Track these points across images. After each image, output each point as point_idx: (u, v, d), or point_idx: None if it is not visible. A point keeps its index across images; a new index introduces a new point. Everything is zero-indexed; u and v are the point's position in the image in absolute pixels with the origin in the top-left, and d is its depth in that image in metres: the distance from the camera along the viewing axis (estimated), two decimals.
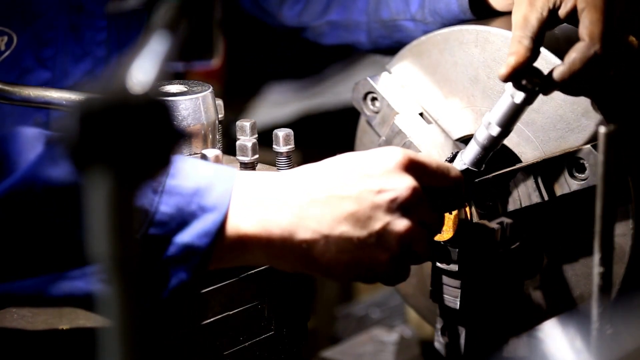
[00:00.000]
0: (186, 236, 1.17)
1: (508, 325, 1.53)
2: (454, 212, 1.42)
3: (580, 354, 1.19)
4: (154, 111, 0.85)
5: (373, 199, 1.24)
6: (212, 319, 1.35)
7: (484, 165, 1.42)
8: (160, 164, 0.86)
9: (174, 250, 1.17)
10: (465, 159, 1.41)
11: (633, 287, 1.45)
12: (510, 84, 1.36)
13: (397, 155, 1.27)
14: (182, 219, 1.17)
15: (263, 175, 1.27)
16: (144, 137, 0.84)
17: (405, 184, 1.25)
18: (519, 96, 1.36)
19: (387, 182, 1.25)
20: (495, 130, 1.38)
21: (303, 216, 1.22)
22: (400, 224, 1.25)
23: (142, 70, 0.88)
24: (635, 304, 1.45)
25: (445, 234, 1.43)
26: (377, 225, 1.24)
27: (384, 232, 1.24)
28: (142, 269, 1.11)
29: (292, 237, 1.22)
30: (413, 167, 1.27)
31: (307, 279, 1.43)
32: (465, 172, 1.40)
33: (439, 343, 1.52)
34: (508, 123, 1.38)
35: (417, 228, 1.27)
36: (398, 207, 1.25)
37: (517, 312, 1.52)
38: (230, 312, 1.37)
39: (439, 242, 1.43)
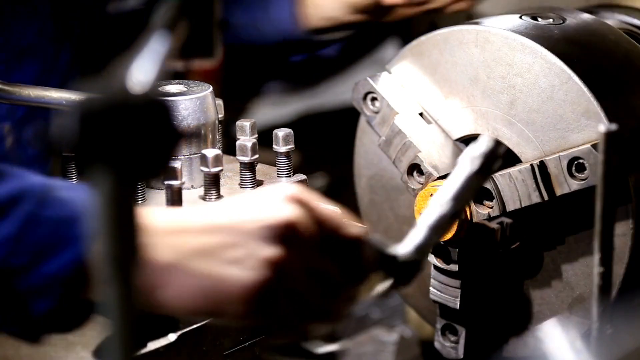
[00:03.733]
0: (50, 266, 1.14)
1: (508, 326, 1.53)
2: None
3: (580, 354, 1.19)
4: (154, 111, 0.85)
5: (245, 226, 1.13)
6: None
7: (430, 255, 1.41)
8: (159, 163, 0.85)
9: (37, 280, 1.14)
10: (408, 246, 1.23)
11: (633, 287, 1.45)
12: (465, 157, 1.31)
13: (287, 189, 1.16)
14: (46, 249, 1.14)
15: None
16: (144, 137, 0.84)
17: (282, 214, 1.13)
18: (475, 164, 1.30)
19: (263, 210, 1.14)
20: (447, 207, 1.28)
21: (160, 243, 1.12)
22: (268, 250, 1.12)
23: (142, 70, 0.88)
24: (635, 304, 1.45)
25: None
26: (239, 251, 1.12)
27: (247, 257, 1.12)
28: (2, 298, 1.09)
29: (148, 263, 1.12)
30: (301, 202, 1.15)
31: None
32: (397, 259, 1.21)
33: (439, 343, 1.52)
34: (462, 197, 1.29)
35: (296, 265, 1.13)
36: (269, 235, 1.12)
37: (517, 312, 1.52)
38: None
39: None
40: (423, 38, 1.55)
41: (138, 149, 0.84)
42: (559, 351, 1.23)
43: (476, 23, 1.53)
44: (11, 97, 1.42)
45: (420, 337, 1.93)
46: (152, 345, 1.29)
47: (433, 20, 1.90)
